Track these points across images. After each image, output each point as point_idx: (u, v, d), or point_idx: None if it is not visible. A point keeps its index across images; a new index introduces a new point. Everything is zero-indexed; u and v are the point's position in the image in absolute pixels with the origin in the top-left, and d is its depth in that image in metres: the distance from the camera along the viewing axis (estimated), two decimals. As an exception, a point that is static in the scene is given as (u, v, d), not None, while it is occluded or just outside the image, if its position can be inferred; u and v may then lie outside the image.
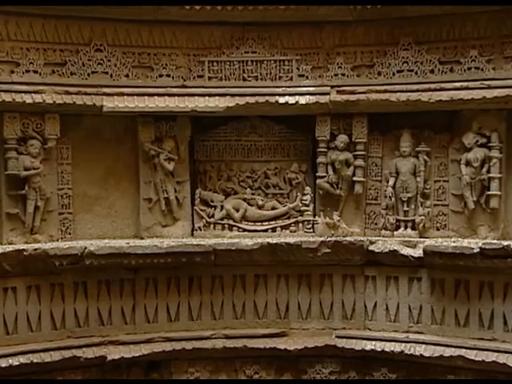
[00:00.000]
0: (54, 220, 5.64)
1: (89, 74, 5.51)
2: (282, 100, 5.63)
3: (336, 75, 5.64)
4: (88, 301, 5.58)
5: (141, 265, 5.56)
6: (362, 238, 5.70)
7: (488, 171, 5.46)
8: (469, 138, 5.50)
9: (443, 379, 5.51)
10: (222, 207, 5.97)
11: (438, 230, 5.71)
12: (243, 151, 6.01)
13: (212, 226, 5.96)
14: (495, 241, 5.34)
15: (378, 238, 5.70)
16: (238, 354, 5.78)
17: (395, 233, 5.75)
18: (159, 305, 5.74)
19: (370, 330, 5.77)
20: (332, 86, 5.62)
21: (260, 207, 5.98)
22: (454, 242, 5.43)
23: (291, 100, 5.62)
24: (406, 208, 5.74)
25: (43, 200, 5.54)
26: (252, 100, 5.62)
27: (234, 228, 5.96)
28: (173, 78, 5.64)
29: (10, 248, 5.29)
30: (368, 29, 5.56)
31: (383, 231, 5.79)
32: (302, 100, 5.62)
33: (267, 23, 5.60)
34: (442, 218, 5.70)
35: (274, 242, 5.65)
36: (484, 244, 5.19)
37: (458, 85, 5.35)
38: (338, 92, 5.59)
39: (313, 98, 5.62)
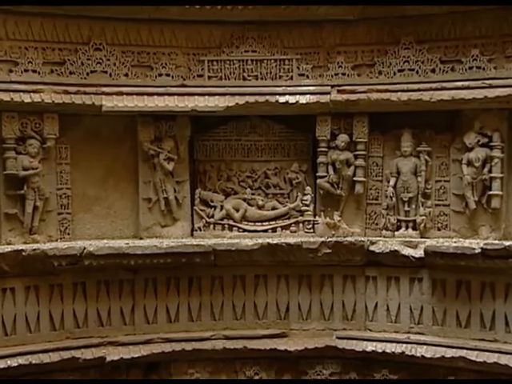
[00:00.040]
0: (52, 220, 5.63)
1: (88, 74, 5.49)
2: (282, 99, 5.61)
3: (336, 74, 5.63)
4: (87, 301, 5.57)
5: (140, 265, 5.54)
6: (362, 239, 5.68)
7: (489, 171, 5.44)
8: (470, 137, 5.49)
9: (443, 379, 5.49)
10: (222, 207, 5.95)
11: (439, 230, 5.69)
12: (243, 151, 5.99)
13: (212, 226, 5.95)
14: (497, 241, 5.33)
15: (378, 239, 5.69)
16: (238, 354, 5.76)
17: (396, 233, 5.73)
18: (159, 305, 5.72)
19: (370, 330, 5.76)
20: (332, 86, 5.60)
21: (260, 207, 5.97)
22: (455, 242, 5.42)
23: (291, 99, 5.61)
24: (406, 208, 5.72)
25: (42, 200, 5.52)
26: (252, 99, 5.60)
27: (234, 228, 5.94)
28: (172, 77, 5.62)
29: (8, 248, 5.28)
30: (369, 28, 5.54)
31: (384, 231, 5.78)
32: (303, 99, 5.60)
33: (267, 22, 5.59)
34: (443, 218, 5.68)
35: (275, 242, 5.64)
36: (485, 244, 5.18)
37: (459, 84, 5.33)
38: (339, 91, 5.57)
39: (313, 98, 5.60)
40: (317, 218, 5.87)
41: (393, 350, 5.55)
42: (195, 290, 5.75)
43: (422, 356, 5.45)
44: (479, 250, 5.14)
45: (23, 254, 5.24)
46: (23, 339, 5.36)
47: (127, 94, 5.52)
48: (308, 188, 5.91)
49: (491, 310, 5.35)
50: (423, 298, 5.59)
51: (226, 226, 5.93)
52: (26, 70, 5.32)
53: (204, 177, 6.02)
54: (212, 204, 5.97)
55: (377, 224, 5.83)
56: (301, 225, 5.91)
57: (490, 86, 5.23)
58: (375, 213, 5.83)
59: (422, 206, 5.66)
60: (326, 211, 5.86)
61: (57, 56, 5.42)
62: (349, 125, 5.72)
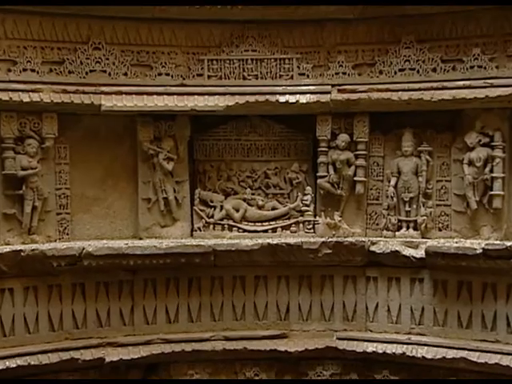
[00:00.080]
0: (51, 220, 5.60)
1: (87, 73, 5.46)
2: (282, 99, 5.59)
3: (337, 74, 5.60)
4: (86, 302, 5.54)
5: (139, 266, 5.52)
6: (363, 239, 5.66)
7: (491, 171, 5.42)
8: (471, 137, 5.47)
9: (443, 379, 5.48)
10: (222, 207, 5.93)
11: (440, 230, 5.67)
12: (243, 151, 5.97)
13: (211, 226, 5.92)
14: (498, 241, 5.30)
15: (379, 239, 5.66)
16: (238, 355, 5.74)
17: (397, 233, 5.71)
18: (158, 306, 5.70)
19: (371, 331, 5.74)
20: (333, 85, 5.58)
21: (260, 207, 5.95)
22: (456, 242, 5.40)
23: (292, 99, 5.58)
24: (407, 208, 5.70)
25: (41, 200, 5.50)
26: (252, 99, 5.58)
27: (234, 228, 5.91)
28: (172, 76, 5.60)
29: (6, 249, 5.25)
30: (369, 27, 5.52)
31: (385, 232, 5.76)
32: (303, 99, 5.58)
33: (267, 21, 5.57)
34: (444, 219, 5.66)
35: (275, 242, 5.61)
36: (487, 245, 5.16)
37: (460, 83, 5.31)
38: (339, 91, 5.55)
39: (313, 97, 5.57)
40: (317, 218, 5.85)
41: (393, 350, 5.53)
42: (195, 290, 5.73)
43: (423, 357, 5.42)
44: (480, 251, 5.12)
45: (22, 254, 5.22)
46: (22, 340, 5.34)
47: (126, 93, 5.49)
48: (308, 188, 5.89)
49: (493, 310, 5.33)
50: (424, 298, 5.57)
51: (226, 226, 5.91)
52: (24, 70, 5.30)
53: (204, 177, 6.00)
54: (212, 204, 5.95)
55: (377, 224, 5.80)
56: (301, 225, 5.89)
57: (492, 86, 5.21)
58: (376, 213, 5.81)
59: (423, 206, 5.64)
60: (326, 211, 5.83)
61: (56, 55, 5.40)
62: (349, 124, 5.70)
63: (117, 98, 5.47)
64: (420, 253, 5.43)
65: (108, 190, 5.83)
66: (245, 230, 5.90)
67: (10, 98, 5.22)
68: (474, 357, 5.26)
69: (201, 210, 5.93)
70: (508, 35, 5.23)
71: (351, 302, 5.78)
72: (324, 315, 5.80)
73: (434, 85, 5.36)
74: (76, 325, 5.52)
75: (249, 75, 5.66)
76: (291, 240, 5.66)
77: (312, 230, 5.86)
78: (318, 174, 5.80)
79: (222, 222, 5.92)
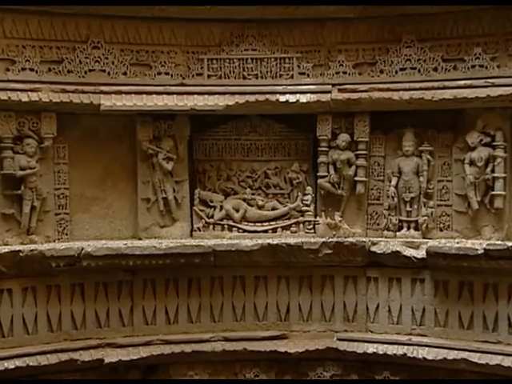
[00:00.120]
0: (50, 220, 5.58)
1: (86, 72, 5.44)
2: (282, 98, 5.57)
3: (337, 73, 5.58)
4: (85, 303, 5.52)
5: (139, 266, 5.50)
6: (363, 239, 5.64)
7: (492, 171, 5.39)
8: (473, 137, 5.45)
9: (443, 379, 5.47)
10: (222, 207, 5.91)
11: (441, 230, 5.65)
12: (243, 150, 5.95)
13: (211, 226, 5.90)
14: (500, 242, 5.28)
15: (380, 239, 5.64)
16: (238, 357, 5.72)
17: (398, 233, 5.69)
18: (158, 307, 5.68)
19: (372, 332, 5.72)
20: (333, 84, 5.56)
21: (260, 207, 5.93)
22: (457, 242, 5.37)
23: (292, 98, 5.56)
24: (408, 208, 5.68)
25: (39, 200, 5.47)
26: (252, 98, 5.56)
27: (234, 229, 5.89)
28: (171, 76, 5.58)
29: (5, 249, 5.22)
30: (370, 26, 5.50)
31: (385, 232, 5.73)
32: (303, 98, 5.56)
33: (267, 20, 5.54)
34: (445, 219, 5.64)
35: (275, 242, 5.59)
36: (488, 245, 5.14)
37: (461, 83, 5.29)
38: (340, 90, 5.53)
39: (314, 97, 5.55)
40: (317, 218, 5.83)
41: (394, 351, 5.51)
42: (194, 291, 5.71)
43: (424, 358, 5.40)
44: (482, 251, 5.10)
45: (20, 254, 5.19)
46: (20, 341, 5.32)
47: (126, 92, 5.47)
48: (309, 188, 5.87)
49: (494, 311, 5.31)
50: (425, 299, 5.55)
51: (226, 226, 5.89)
52: (23, 69, 5.28)
53: (203, 177, 5.98)
54: (211, 204, 5.93)
55: (378, 224, 5.78)
56: (301, 225, 5.87)
57: (493, 85, 5.19)
58: (377, 213, 5.78)
59: (424, 206, 5.62)
60: (326, 211, 5.81)
61: (54, 54, 5.37)
62: (350, 124, 5.68)
63: (116, 97, 5.45)
64: (421, 253, 5.41)
65: (107, 190, 5.81)
66: (245, 230, 5.88)
67: (9, 98, 5.19)
68: (475, 358, 5.24)
69: (200, 210, 5.90)
70: (509, 34, 5.20)
71: (352, 302, 5.75)
72: (324, 316, 5.78)
73: (435, 84, 5.34)
74: (75, 325, 5.50)
75: (249, 74, 5.64)
76: (291, 240, 5.64)
77: (312, 231, 5.84)
78: (318, 174, 5.78)
79: (222, 222, 5.89)
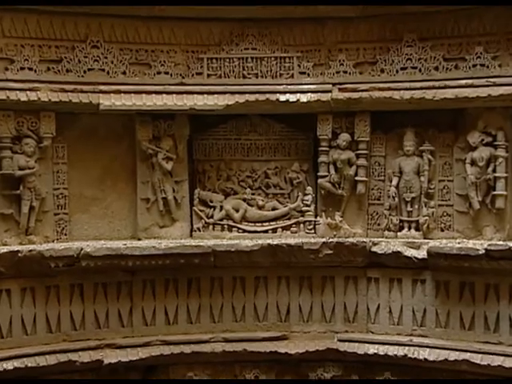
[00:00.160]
0: (49, 221, 5.57)
1: (85, 71, 5.43)
2: (282, 98, 5.55)
3: (338, 72, 5.57)
4: (84, 303, 5.51)
5: (138, 266, 5.48)
6: (364, 239, 5.62)
7: (494, 171, 5.38)
8: (474, 136, 5.43)
9: (443, 379, 5.45)
10: (222, 207, 5.89)
11: (442, 230, 5.63)
12: (243, 150, 5.93)
13: (211, 226, 5.88)
14: (501, 242, 5.27)
15: (380, 239, 5.63)
16: (238, 357, 5.70)
17: (398, 234, 5.67)
18: (157, 307, 5.66)
19: (372, 333, 5.70)
20: (334, 84, 5.55)
21: (260, 207, 5.91)
22: (458, 243, 5.36)
23: (292, 98, 5.55)
24: (409, 208, 5.66)
25: (38, 200, 5.46)
26: (252, 98, 5.54)
27: (234, 229, 5.87)
28: (171, 75, 5.57)
29: (4, 249, 5.21)
30: (371, 25, 5.48)
31: (386, 232, 5.72)
32: (303, 98, 5.54)
33: (267, 19, 5.53)
34: (446, 219, 5.63)
35: (275, 243, 5.58)
36: (489, 245, 5.12)
37: (462, 82, 5.28)
38: (340, 90, 5.52)
39: (314, 96, 5.54)
40: (318, 218, 5.81)
41: (395, 352, 5.49)
42: (194, 291, 5.70)
43: (425, 359, 5.39)
44: (483, 251, 5.08)
45: (19, 255, 5.18)
46: (19, 342, 5.30)
47: (125, 92, 5.46)
48: (309, 188, 5.85)
49: (495, 312, 5.29)
50: (426, 299, 5.53)
51: (226, 226, 5.87)
52: (22, 68, 5.27)
53: (203, 176, 5.96)
54: (211, 204, 5.91)
55: (379, 224, 5.76)
56: (302, 225, 5.85)
57: (494, 84, 5.18)
58: (377, 213, 5.77)
59: (425, 206, 5.61)
60: (327, 211, 5.80)
61: (53, 54, 5.36)
62: (350, 124, 5.66)
63: (115, 96, 5.44)
64: (422, 253, 5.40)
65: (106, 190, 5.80)
66: (245, 231, 5.86)
67: (8, 97, 5.18)
68: (476, 359, 5.23)
69: (200, 210, 5.89)
70: (511, 33, 5.20)
71: (352, 303, 5.74)
72: (325, 316, 5.77)
73: (436, 83, 5.33)
74: (74, 326, 5.49)
75: (249, 74, 5.62)
76: (292, 240, 5.63)
77: (313, 231, 5.82)
78: (318, 174, 5.76)
79: (222, 223, 5.88)
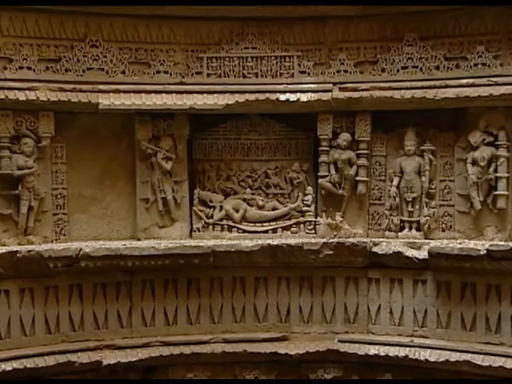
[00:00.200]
0: (48, 221, 5.55)
1: (84, 71, 5.41)
2: (282, 97, 5.53)
3: (338, 72, 5.55)
4: (83, 304, 5.49)
5: (137, 267, 5.46)
6: (365, 240, 5.60)
7: (495, 170, 5.36)
8: (475, 136, 5.42)
9: (442, 379, 5.44)
10: (222, 208, 5.88)
11: (443, 231, 5.61)
12: (243, 150, 5.91)
13: (211, 226, 5.87)
14: (502, 242, 5.26)
15: (381, 240, 5.61)
16: (238, 358, 5.69)
17: (399, 234, 5.65)
18: (156, 308, 5.65)
19: (373, 334, 5.69)
20: (334, 83, 5.53)
21: (260, 208, 5.89)
22: (460, 243, 5.34)
23: (292, 97, 5.53)
24: (410, 208, 5.64)
25: (37, 200, 5.45)
26: (252, 97, 5.53)
27: (234, 229, 5.86)
28: (170, 74, 5.55)
29: (2, 250, 5.20)
30: (371, 24, 5.46)
31: (387, 232, 5.70)
32: (304, 97, 5.53)
33: (268, 18, 5.51)
34: (447, 219, 5.61)
35: (275, 243, 5.56)
36: (491, 245, 5.11)
37: (464, 82, 5.27)
38: (341, 89, 5.50)
39: (314, 96, 5.52)
40: (318, 218, 5.79)
41: (396, 353, 5.48)
42: (194, 292, 5.68)
43: (426, 360, 5.37)
44: (484, 252, 5.07)
45: (18, 255, 5.17)
46: (18, 343, 5.29)
47: (124, 91, 5.44)
48: (309, 188, 5.83)
49: (497, 312, 5.28)
50: (427, 300, 5.52)
51: (226, 226, 5.85)
52: (20, 67, 5.25)
53: (203, 176, 5.94)
54: (211, 204, 5.89)
55: (380, 225, 5.75)
56: (302, 225, 5.83)
57: (496, 84, 5.17)
58: (378, 213, 5.75)
59: (426, 206, 5.59)
60: (327, 211, 5.78)
61: (52, 53, 5.34)
62: (351, 123, 5.64)
63: (114, 96, 5.42)
64: (423, 254, 5.38)
65: (105, 190, 5.78)
66: (245, 231, 5.84)
67: (6, 97, 5.17)
68: (477, 360, 5.21)
69: (200, 211, 5.87)
70: (513, 32, 5.20)
71: (353, 303, 5.72)
72: (325, 317, 5.75)
73: (437, 83, 5.32)
74: (73, 327, 5.48)
75: (249, 73, 5.60)
76: (292, 241, 5.61)
77: (313, 231, 5.80)
78: (319, 174, 5.75)
79: (222, 223, 5.86)
